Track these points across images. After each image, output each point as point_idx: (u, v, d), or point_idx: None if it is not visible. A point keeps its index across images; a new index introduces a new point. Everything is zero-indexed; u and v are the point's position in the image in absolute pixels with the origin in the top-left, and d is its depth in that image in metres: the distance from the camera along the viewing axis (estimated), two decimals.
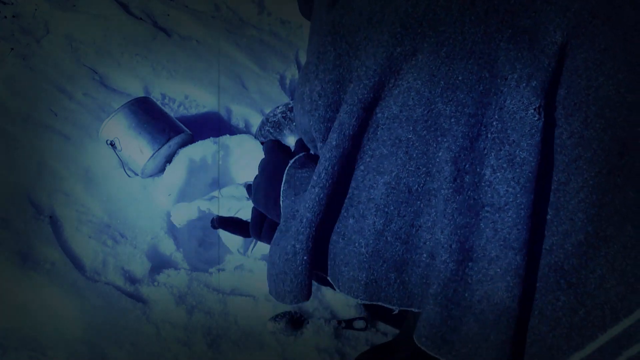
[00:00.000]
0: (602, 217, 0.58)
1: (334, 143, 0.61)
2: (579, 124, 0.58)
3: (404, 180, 0.61)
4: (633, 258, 0.57)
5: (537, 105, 0.56)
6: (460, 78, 0.57)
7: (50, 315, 1.18)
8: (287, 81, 2.16)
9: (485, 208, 0.59)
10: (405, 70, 0.58)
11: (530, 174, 0.57)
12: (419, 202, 0.61)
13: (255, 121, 1.90)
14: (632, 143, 0.57)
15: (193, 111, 1.87)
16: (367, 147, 0.62)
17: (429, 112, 0.58)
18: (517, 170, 0.57)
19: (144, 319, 1.23)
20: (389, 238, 0.62)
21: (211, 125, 1.82)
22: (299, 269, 0.67)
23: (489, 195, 0.59)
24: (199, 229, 1.58)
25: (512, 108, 0.57)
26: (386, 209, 0.62)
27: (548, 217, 0.60)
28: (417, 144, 0.60)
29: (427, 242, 0.62)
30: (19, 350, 1.11)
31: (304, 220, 0.65)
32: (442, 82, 0.57)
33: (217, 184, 1.65)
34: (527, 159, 0.57)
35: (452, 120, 0.58)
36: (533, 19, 0.57)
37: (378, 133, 0.61)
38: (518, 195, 0.57)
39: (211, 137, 1.61)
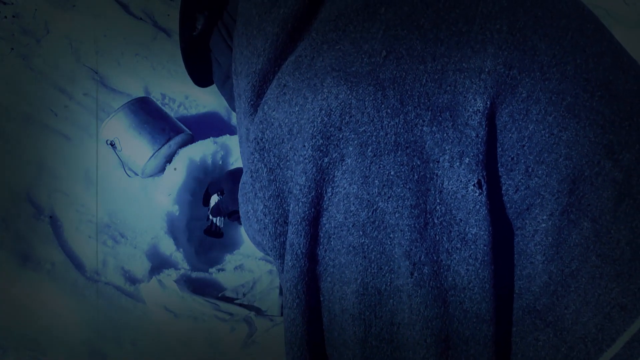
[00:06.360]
0: (563, 255, 0.56)
1: (289, 264, 0.59)
2: (521, 176, 0.56)
3: (371, 284, 0.58)
4: (604, 287, 0.55)
5: (476, 181, 0.54)
6: (392, 172, 0.55)
7: (50, 315, 1.18)
8: None
9: (450, 292, 0.56)
10: (338, 177, 0.56)
11: (485, 247, 0.55)
12: (391, 301, 0.58)
13: None
14: (580, 178, 0.55)
15: (193, 111, 1.87)
16: (327, 258, 0.59)
17: (374, 213, 0.56)
18: (472, 247, 0.55)
19: (144, 319, 1.23)
20: (373, 343, 0.60)
21: (211, 125, 1.82)
22: None
23: (450, 279, 0.56)
24: (199, 229, 1.58)
25: (452, 188, 0.55)
26: (362, 316, 0.59)
27: (514, 262, 0.58)
28: (372, 246, 0.57)
29: (409, 339, 0.59)
30: (19, 350, 1.11)
31: (288, 335, 0.61)
32: (376, 181, 0.55)
33: None
34: (478, 234, 0.55)
35: (396, 215, 0.55)
36: (450, 93, 0.54)
37: (332, 243, 0.58)
38: (479, 270, 0.55)
39: (211, 137, 1.61)
